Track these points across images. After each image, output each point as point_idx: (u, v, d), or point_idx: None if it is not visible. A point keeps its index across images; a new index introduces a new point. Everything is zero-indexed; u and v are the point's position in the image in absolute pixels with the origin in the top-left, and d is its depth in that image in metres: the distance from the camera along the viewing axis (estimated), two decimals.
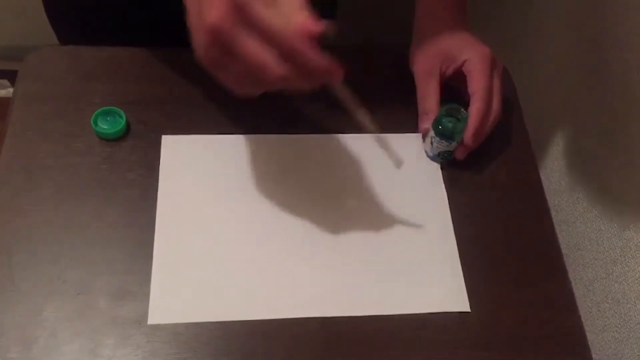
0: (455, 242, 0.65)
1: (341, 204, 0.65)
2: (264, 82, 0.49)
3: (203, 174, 0.66)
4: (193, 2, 0.50)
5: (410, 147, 0.71)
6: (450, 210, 0.67)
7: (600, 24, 0.74)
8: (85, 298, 0.59)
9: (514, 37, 0.98)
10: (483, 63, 0.68)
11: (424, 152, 0.71)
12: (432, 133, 0.68)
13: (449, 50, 0.70)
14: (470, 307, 0.62)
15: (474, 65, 0.69)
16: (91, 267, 0.60)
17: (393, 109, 0.72)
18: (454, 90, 0.71)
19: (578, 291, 0.65)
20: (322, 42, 0.48)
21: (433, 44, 0.71)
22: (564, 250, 0.67)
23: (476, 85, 0.68)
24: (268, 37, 0.47)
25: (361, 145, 0.70)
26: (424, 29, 0.73)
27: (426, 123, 0.69)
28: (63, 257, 0.60)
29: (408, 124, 0.73)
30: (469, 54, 0.69)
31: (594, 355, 0.61)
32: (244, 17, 0.47)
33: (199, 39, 0.50)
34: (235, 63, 0.49)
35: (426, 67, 0.71)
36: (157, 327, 0.58)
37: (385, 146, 0.60)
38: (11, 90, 1.55)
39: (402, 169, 0.69)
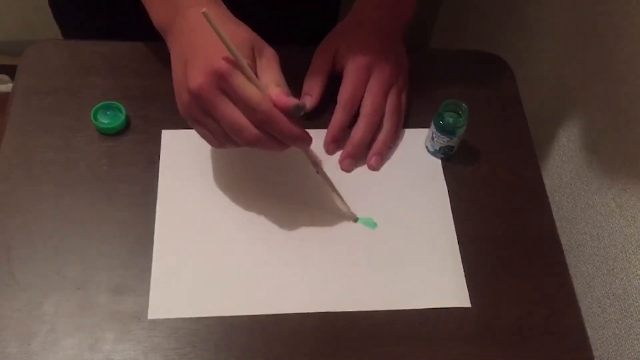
0: (455, 237, 0.65)
1: (342, 199, 0.65)
2: (237, 141, 0.55)
3: (203, 169, 0.66)
4: (178, 62, 0.57)
5: (411, 142, 0.71)
6: (451, 205, 0.67)
7: (602, 17, 0.73)
8: (85, 293, 0.58)
9: (515, 32, 0.98)
10: (355, 75, 0.68)
11: (424, 147, 0.71)
12: (433, 128, 0.68)
13: (341, 51, 0.70)
14: (471, 303, 0.62)
15: (346, 74, 0.68)
16: (91, 261, 0.60)
17: None
18: (451, 90, 0.71)
19: (579, 287, 0.65)
20: (294, 114, 0.54)
21: (340, 35, 0.72)
22: (564, 247, 0.67)
23: (339, 95, 0.68)
24: (244, 104, 0.53)
25: None
26: (349, 19, 0.73)
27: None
28: (62, 251, 0.60)
29: (409, 119, 0.72)
30: (347, 62, 0.68)
31: (594, 352, 0.61)
32: (224, 85, 0.53)
33: (181, 97, 0.56)
34: (212, 122, 0.55)
35: (323, 53, 0.71)
36: (156, 322, 0.58)
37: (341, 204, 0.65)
38: (11, 85, 1.55)
39: (403, 164, 0.70)
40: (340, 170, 0.68)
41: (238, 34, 0.55)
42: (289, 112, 0.54)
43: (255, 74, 0.54)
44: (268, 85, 0.54)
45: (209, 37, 0.52)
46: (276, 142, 0.55)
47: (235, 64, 0.52)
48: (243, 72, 0.53)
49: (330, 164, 0.68)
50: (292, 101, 0.53)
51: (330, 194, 0.65)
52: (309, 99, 0.69)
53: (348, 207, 0.64)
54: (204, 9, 0.50)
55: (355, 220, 0.65)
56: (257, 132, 0.53)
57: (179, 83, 0.55)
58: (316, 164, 0.62)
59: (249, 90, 0.52)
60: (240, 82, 0.52)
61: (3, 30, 1.47)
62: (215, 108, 0.53)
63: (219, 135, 0.55)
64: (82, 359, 0.55)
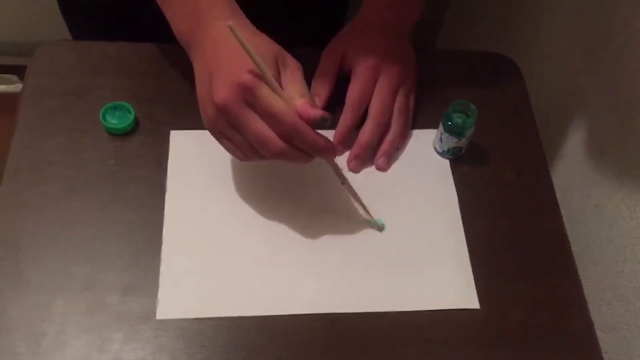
0: (464, 238, 0.65)
1: (350, 200, 0.65)
2: (263, 154, 0.55)
3: (211, 170, 0.66)
4: (203, 76, 0.56)
5: (420, 143, 0.71)
6: (460, 206, 0.67)
7: (612, 18, 0.73)
8: (93, 293, 0.59)
9: (523, 32, 0.97)
10: (363, 76, 0.68)
11: (433, 148, 0.71)
12: (441, 129, 0.67)
13: (349, 52, 0.70)
14: (480, 304, 0.61)
15: (354, 75, 0.68)
16: (99, 262, 0.60)
17: None
18: (459, 90, 0.71)
19: (588, 289, 0.64)
20: (319, 126, 0.54)
21: (348, 36, 0.71)
22: (573, 248, 0.66)
23: (348, 96, 0.68)
24: (270, 116, 0.53)
25: None
26: (357, 20, 0.73)
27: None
28: (71, 252, 0.60)
29: (417, 119, 0.72)
30: (355, 63, 0.68)
31: (603, 354, 0.61)
32: (250, 98, 0.52)
33: (206, 111, 0.56)
34: (238, 135, 0.55)
35: (331, 55, 0.71)
36: (165, 323, 0.58)
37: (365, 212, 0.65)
38: (19, 85, 1.56)
39: (411, 165, 0.70)
40: (347, 171, 0.68)
41: (262, 45, 0.55)
42: (314, 124, 0.54)
43: (280, 85, 0.54)
44: (293, 96, 0.54)
45: (233, 50, 0.53)
46: (302, 153, 0.55)
47: (260, 77, 0.52)
48: (268, 84, 0.53)
49: (339, 165, 0.68)
50: (317, 112, 0.53)
51: (343, 197, 0.64)
52: (317, 100, 0.69)
53: (372, 218, 0.64)
54: (230, 22, 0.50)
55: (381, 230, 0.64)
56: (283, 145, 0.53)
57: (204, 97, 0.55)
58: (340, 175, 0.62)
59: (274, 102, 0.52)
60: (265, 94, 0.52)
61: (11, 31, 1.47)
62: (241, 121, 0.53)
63: (245, 148, 0.55)
64: (90, 359, 0.55)
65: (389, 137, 0.69)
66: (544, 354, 0.60)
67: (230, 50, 0.53)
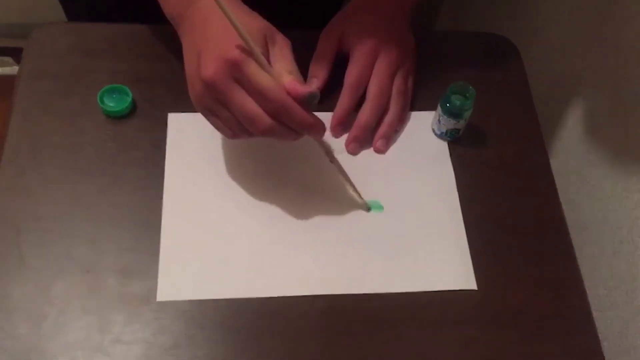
0: (462, 220, 0.65)
1: (355, 189, 0.65)
2: (251, 131, 0.54)
3: (209, 152, 0.66)
4: (191, 53, 0.56)
5: (418, 125, 0.71)
6: (457, 188, 0.67)
7: (612, 0, 0.73)
8: (94, 275, 0.59)
9: (522, 14, 0.97)
10: (361, 58, 0.67)
11: (431, 130, 0.71)
12: (439, 111, 0.67)
13: (347, 34, 0.69)
14: (477, 285, 0.62)
15: (352, 57, 0.68)
16: (99, 244, 0.60)
17: None
18: (458, 72, 0.70)
19: (584, 270, 0.65)
20: (307, 102, 0.53)
21: (346, 18, 0.71)
22: (570, 229, 0.67)
23: (346, 78, 0.68)
24: (258, 93, 0.52)
25: None
26: (355, 2, 0.72)
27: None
28: (70, 234, 0.61)
29: (415, 102, 0.72)
30: (353, 45, 0.68)
31: (600, 333, 0.61)
32: (237, 74, 0.52)
33: (194, 87, 0.55)
34: (225, 112, 0.54)
35: (329, 37, 0.70)
36: (165, 304, 0.58)
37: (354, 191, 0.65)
38: (16, 67, 1.55)
39: (410, 147, 0.70)
40: (346, 153, 0.68)
41: (251, 22, 0.54)
42: (302, 101, 0.53)
43: (269, 62, 0.54)
44: (281, 73, 0.53)
45: (221, 26, 0.52)
46: (290, 131, 0.55)
47: (248, 53, 0.52)
48: (256, 61, 0.52)
49: (337, 147, 0.68)
50: (305, 89, 0.53)
51: (342, 182, 0.65)
52: (315, 82, 0.69)
53: (361, 197, 0.64)
54: None
55: (368, 210, 0.65)
56: (271, 121, 0.53)
57: (192, 74, 0.55)
58: (330, 152, 0.62)
59: (262, 78, 0.52)
60: (253, 70, 0.52)
61: (6, 13, 1.46)
62: (228, 97, 0.53)
63: (232, 125, 0.55)
64: (91, 340, 0.56)
65: (387, 120, 0.69)
66: (540, 333, 0.60)
67: (218, 26, 0.53)
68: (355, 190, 0.64)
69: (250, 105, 0.53)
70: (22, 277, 0.58)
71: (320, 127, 0.56)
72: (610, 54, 0.73)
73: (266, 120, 0.53)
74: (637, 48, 0.68)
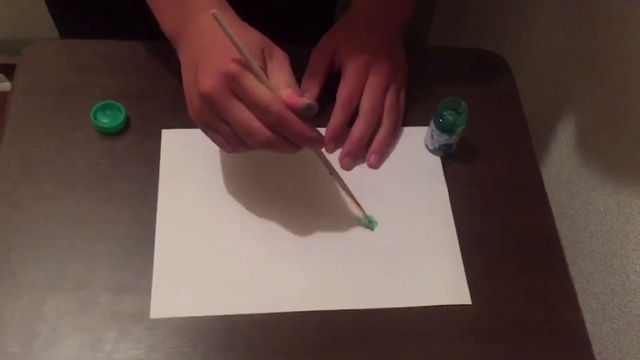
0: (456, 235, 0.65)
1: (342, 198, 0.65)
2: (250, 144, 0.54)
3: (203, 168, 0.66)
4: (189, 68, 0.56)
5: (411, 140, 0.71)
6: (451, 203, 0.67)
7: (600, 16, 0.73)
8: (86, 292, 0.58)
9: (513, 30, 0.98)
10: (353, 73, 0.68)
11: (424, 145, 0.71)
12: (432, 126, 0.68)
13: (339, 49, 0.70)
14: (471, 300, 0.62)
15: (344, 73, 0.69)
16: (91, 261, 0.60)
17: None
18: (450, 88, 0.71)
19: (578, 284, 0.65)
20: (305, 115, 0.54)
21: (338, 33, 0.72)
22: (563, 243, 0.67)
23: (338, 93, 0.68)
24: (256, 106, 0.52)
25: None
26: (347, 17, 0.73)
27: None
28: (63, 251, 0.60)
29: (409, 117, 0.73)
30: (346, 60, 0.69)
31: (593, 347, 0.61)
32: (235, 87, 0.52)
33: (192, 102, 0.55)
34: (224, 126, 0.54)
35: (321, 52, 0.71)
36: (157, 321, 0.58)
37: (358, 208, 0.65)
38: (7, 84, 1.55)
39: (403, 163, 0.70)
40: (339, 168, 0.68)
41: (248, 35, 0.55)
42: (300, 113, 0.53)
43: (267, 75, 0.54)
44: (279, 86, 0.53)
45: (219, 40, 0.52)
46: (289, 144, 0.55)
47: (246, 66, 0.52)
48: (254, 74, 0.52)
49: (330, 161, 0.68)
50: (303, 101, 0.53)
51: (338, 196, 0.65)
52: (307, 97, 0.69)
53: (362, 210, 0.64)
54: (213, 10, 0.50)
55: (370, 222, 0.65)
56: (270, 134, 0.53)
57: (190, 88, 0.55)
58: (329, 165, 0.62)
59: (260, 91, 0.52)
60: (251, 83, 0.52)
61: None
62: (226, 111, 0.53)
63: (231, 139, 0.55)
64: (83, 358, 0.55)
65: (380, 135, 0.69)
66: (534, 348, 0.60)
67: (216, 40, 0.53)
68: (356, 202, 0.64)
69: (248, 119, 0.53)
70: (14, 294, 0.58)
71: (319, 139, 0.56)
72: (601, 68, 0.74)
73: (265, 133, 0.53)
74: (626, 62, 0.68)
